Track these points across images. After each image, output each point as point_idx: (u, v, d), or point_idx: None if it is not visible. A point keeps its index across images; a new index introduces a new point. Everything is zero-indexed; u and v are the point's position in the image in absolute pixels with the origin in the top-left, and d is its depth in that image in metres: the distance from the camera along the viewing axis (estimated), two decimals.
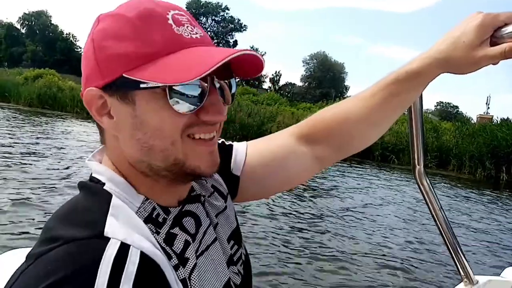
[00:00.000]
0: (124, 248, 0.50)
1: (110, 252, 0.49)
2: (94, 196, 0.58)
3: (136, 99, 0.55)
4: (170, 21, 0.56)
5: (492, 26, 0.65)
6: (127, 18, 0.56)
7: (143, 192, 0.60)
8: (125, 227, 0.53)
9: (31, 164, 7.81)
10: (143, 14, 0.56)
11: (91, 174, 0.62)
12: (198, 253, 0.63)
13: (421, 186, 1.06)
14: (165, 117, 0.55)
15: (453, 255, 1.19)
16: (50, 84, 24.46)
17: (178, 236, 0.60)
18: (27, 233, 4.46)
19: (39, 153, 9.07)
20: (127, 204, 0.57)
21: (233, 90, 0.63)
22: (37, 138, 11.41)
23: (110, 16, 0.59)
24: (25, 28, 61.81)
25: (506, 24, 0.64)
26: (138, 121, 0.56)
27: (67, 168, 7.89)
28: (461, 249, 1.19)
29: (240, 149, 0.82)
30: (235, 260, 0.72)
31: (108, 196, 0.57)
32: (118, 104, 0.56)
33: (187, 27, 0.57)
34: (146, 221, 0.57)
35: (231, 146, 0.82)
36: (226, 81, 0.61)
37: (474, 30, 0.65)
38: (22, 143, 10.12)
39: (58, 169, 7.66)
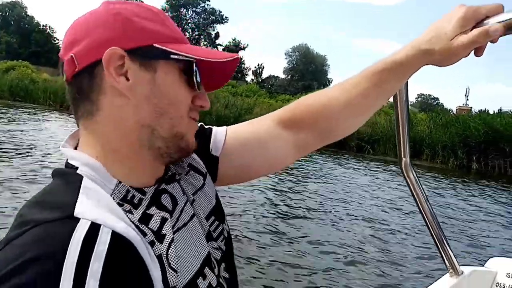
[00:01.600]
0: (94, 228, 0.50)
1: (79, 232, 0.48)
2: (66, 180, 0.57)
3: (158, 68, 0.60)
4: (170, 20, 0.65)
5: (474, 19, 0.66)
6: (148, 7, 0.63)
7: (120, 174, 0.60)
8: (96, 208, 0.52)
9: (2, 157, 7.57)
10: (160, 11, 0.64)
11: (67, 160, 0.61)
12: (175, 229, 0.63)
13: (407, 178, 1.06)
14: (180, 91, 0.62)
15: (439, 246, 1.19)
16: (22, 76, 23.82)
17: (154, 216, 0.60)
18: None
19: (8, 147, 8.77)
20: (101, 186, 0.57)
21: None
22: (7, 131, 11.03)
23: (125, 3, 0.62)
24: None
25: (487, 17, 0.65)
26: (156, 89, 0.60)
27: (40, 161, 7.64)
28: (446, 241, 1.19)
29: (219, 131, 0.83)
30: (214, 236, 0.73)
31: (80, 178, 0.56)
32: (138, 70, 0.59)
33: (177, 27, 0.65)
34: (121, 202, 0.58)
35: (210, 129, 0.83)
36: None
37: (456, 22, 0.66)
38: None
39: (31, 162, 7.40)
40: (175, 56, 0.60)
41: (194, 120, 0.67)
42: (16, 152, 8.29)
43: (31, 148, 8.85)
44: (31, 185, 5.85)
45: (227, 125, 0.85)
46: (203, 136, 0.80)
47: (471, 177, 13.01)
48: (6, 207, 4.82)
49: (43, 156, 8.12)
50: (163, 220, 0.61)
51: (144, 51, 0.59)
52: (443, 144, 15.49)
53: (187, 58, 0.61)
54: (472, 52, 0.68)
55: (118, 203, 0.57)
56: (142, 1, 0.78)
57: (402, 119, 0.95)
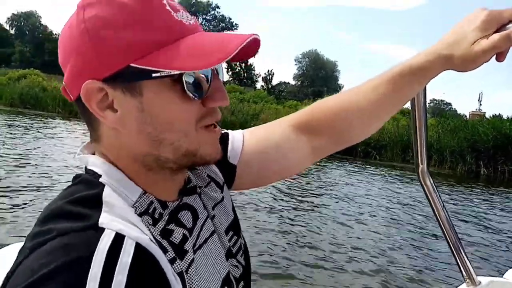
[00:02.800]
0: (119, 239, 0.49)
1: (104, 243, 0.47)
2: (89, 188, 0.55)
3: (144, 90, 0.53)
4: (168, 7, 0.53)
5: (496, 23, 0.64)
6: (125, 3, 0.52)
7: (143, 183, 0.58)
8: (120, 219, 0.51)
9: (16, 165, 7.66)
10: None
11: (86, 166, 0.60)
12: (195, 247, 0.61)
13: (424, 185, 1.05)
14: (176, 109, 0.54)
15: (456, 255, 1.15)
16: (33, 84, 24.22)
17: (174, 231, 0.59)
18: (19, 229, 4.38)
19: (22, 154, 8.86)
20: (123, 197, 0.55)
21: (221, 76, 0.61)
22: (18, 138, 11.17)
23: (99, 2, 0.53)
24: (14, 29, 61.42)
25: (510, 21, 0.63)
26: (146, 115, 0.54)
27: (52, 167, 7.72)
28: (463, 250, 1.15)
29: (236, 137, 0.80)
30: (234, 252, 0.71)
31: (103, 187, 0.55)
32: (123, 97, 0.53)
33: (182, 13, 0.55)
34: (142, 215, 0.56)
35: (226, 134, 0.80)
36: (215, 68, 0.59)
37: (477, 26, 0.64)
38: (5, 143, 9.88)
39: (44, 171, 7.43)
40: (157, 74, 0.51)
41: (211, 127, 0.59)
42: (28, 159, 8.36)
43: (42, 156, 8.91)
44: (44, 192, 5.95)
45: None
46: (220, 143, 0.76)
47: (480, 183, 12.71)
48: (24, 212, 4.91)
49: (54, 163, 8.17)
50: (184, 238, 0.59)
51: (122, 74, 0.52)
52: (451, 149, 15.19)
53: (170, 74, 0.52)
54: (493, 57, 0.66)
55: (139, 214, 0.55)
56: None
57: (419, 125, 0.93)
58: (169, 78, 0.53)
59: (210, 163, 0.63)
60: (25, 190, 5.96)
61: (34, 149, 9.74)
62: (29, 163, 7.94)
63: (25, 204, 5.33)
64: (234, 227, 0.74)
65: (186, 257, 0.58)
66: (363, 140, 0.85)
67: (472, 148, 14.86)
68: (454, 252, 1.16)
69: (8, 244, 1.13)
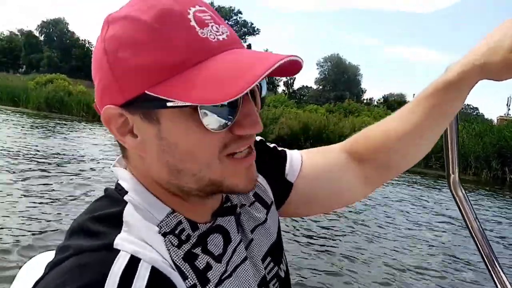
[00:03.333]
0: (133, 262, 0.47)
1: (118, 266, 0.46)
2: (113, 205, 0.54)
3: (161, 118, 0.50)
4: (193, 22, 0.49)
5: None
6: (143, 21, 0.49)
7: (172, 202, 0.56)
8: (138, 240, 0.50)
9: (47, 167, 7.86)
10: (161, 15, 0.49)
11: (117, 180, 0.59)
12: (223, 275, 0.57)
13: (456, 196, 1.00)
14: (196, 139, 0.51)
15: (490, 269, 1.09)
16: (59, 89, 24.91)
17: (199, 256, 0.55)
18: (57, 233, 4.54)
19: (48, 157, 9.08)
20: (147, 216, 0.53)
21: (264, 93, 0.57)
22: (45, 140, 11.47)
23: (121, 18, 0.51)
24: (43, 36, 63.51)
25: None
26: (165, 143, 0.51)
27: (80, 172, 7.85)
28: (498, 263, 1.09)
29: (295, 155, 0.78)
30: (268, 279, 0.66)
31: (125, 205, 0.54)
32: (142, 123, 0.51)
33: (212, 27, 0.50)
34: (166, 235, 0.53)
35: (284, 151, 0.79)
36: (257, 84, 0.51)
37: None
38: (30, 147, 10.11)
39: (73, 174, 7.62)
40: (171, 104, 0.48)
41: (240, 154, 0.54)
42: (56, 163, 8.55)
43: (67, 160, 9.12)
44: (73, 199, 6.06)
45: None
46: (278, 159, 0.76)
47: (506, 190, 12.28)
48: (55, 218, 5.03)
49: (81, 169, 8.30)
50: (210, 263, 0.56)
51: (139, 101, 0.50)
52: (476, 155, 14.76)
53: (185, 105, 0.48)
54: None
55: (163, 234, 0.53)
56: None
57: (450, 132, 0.89)
58: (187, 107, 0.49)
59: (241, 192, 0.59)
60: (57, 195, 6.11)
61: (60, 153, 9.98)
62: (57, 167, 8.12)
63: (62, 210, 5.45)
64: (275, 252, 0.69)
65: (209, 285, 0.54)
66: (413, 165, 0.82)
67: (498, 154, 14.39)
68: (489, 266, 1.10)
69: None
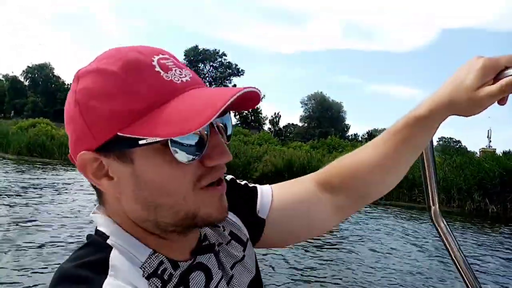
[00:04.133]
0: None
1: None
2: (98, 251, 0.55)
3: (135, 157, 0.53)
4: (157, 68, 0.54)
5: (494, 69, 0.66)
6: (111, 72, 0.53)
7: (153, 243, 0.58)
8: (125, 284, 0.51)
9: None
10: (127, 65, 0.53)
11: (96, 227, 0.60)
12: None
13: (438, 227, 1.02)
14: (169, 173, 0.53)
15: None
16: (41, 133, 24.73)
17: None
18: None
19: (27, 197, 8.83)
20: (130, 258, 0.55)
21: (229, 131, 0.61)
22: (24, 186, 11.24)
23: (91, 72, 0.55)
24: (28, 81, 63.83)
25: (507, 68, 0.66)
26: (140, 181, 0.54)
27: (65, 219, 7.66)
28: None
29: (265, 191, 0.80)
30: None
31: (110, 250, 0.55)
32: (116, 164, 0.54)
33: (175, 70, 0.55)
34: (150, 277, 0.55)
35: (255, 188, 0.80)
36: (221, 123, 0.59)
37: (476, 73, 0.66)
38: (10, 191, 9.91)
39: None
40: (143, 142, 0.51)
41: (213, 185, 0.57)
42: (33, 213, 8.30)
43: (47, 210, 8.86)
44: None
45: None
46: (249, 196, 0.77)
47: (488, 221, 12.27)
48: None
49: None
50: None
51: (112, 143, 0.52)
52: (458, 187, 14.86)
53: (156, 141, 0.51)
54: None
55: (147, 277, 0.54)
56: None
57: (428, 166, 0.92)
58: (158, 144, 0.51)
59: (213, 223, 0.61)
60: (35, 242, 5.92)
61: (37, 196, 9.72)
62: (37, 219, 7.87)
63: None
64: (255, 286, 0.71)
65: None
66: (383, 195, 0.84)
67: (479, 185, 14.51)
68: None
69: None
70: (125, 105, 0.51)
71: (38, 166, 17.80)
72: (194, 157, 0.53)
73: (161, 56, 0.56)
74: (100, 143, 0.53)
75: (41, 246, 5.75)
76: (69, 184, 12.52)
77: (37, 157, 22.20)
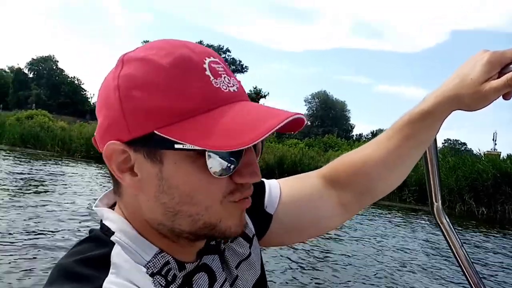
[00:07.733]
0: None
1: None
2: (99, 246, 0.54)
3: (165, 159, 0.51)
4: (208, 72, 0.52)
5: (499, 63, 0.65)
6: (160, 65, 0.51)
7: (160, 243, 0.57)
8: (126, 282, 0.50)
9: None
10: (179, 62, 0.51)
11: (101, 220, 0.59)
12: None
13: (440, 224, 1.02)
14: (197, 183, 0.52)
15: None
16: (36, 124, 24.79)
17: None
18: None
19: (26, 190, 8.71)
20: (135, 256, 0.54)
21: (261, 150, 0.59)
22: (18, 176, 11.13)
23: (138, 60, 0.52)
24: (32, 73, 64.16)
25: None
26: (164, 184, 0.52)
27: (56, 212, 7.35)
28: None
29: (273, 186, 0.79)
30: None
31: (112, 246, 0.54)
32: (144, 161, 0.52)
33: (224, 78, 0.53)
34: (154, 275, 0.54)
35: (263, 182, 0.78)
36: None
37: (481, 67, 0.66)
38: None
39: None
40: (179, 146, 0.48)
41: (240, 201, 0.55)
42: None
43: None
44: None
45: None
46: (257, 190, 0.70)
47: (478, 224, 12.02)
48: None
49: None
50: None
51: (146, 139, 0.50)
52: (449, 188, 14.56)
53: (193, 149, 0.48)
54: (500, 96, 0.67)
55: (151, 274, 0.53)
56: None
57: (431, 163, 0.92)
58: (192, 151, 0.49)
59: (229, 237, 0.58)
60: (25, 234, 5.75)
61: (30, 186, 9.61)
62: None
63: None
64: (260, 285, 0.70)
65: None
66: (388, 192, 0.82)
67: (471, 187, 14.21)
68: None
69: None
70: (170, 103, 0.49)
71: (28, 157, 17.75)
72: (227, 172, 0.51)
73: (212, 59, 0.53)
74: (134, 137, 0.50)
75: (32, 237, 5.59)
76: (58, 175, 12.42)
77: (31, 148, 22.22)
